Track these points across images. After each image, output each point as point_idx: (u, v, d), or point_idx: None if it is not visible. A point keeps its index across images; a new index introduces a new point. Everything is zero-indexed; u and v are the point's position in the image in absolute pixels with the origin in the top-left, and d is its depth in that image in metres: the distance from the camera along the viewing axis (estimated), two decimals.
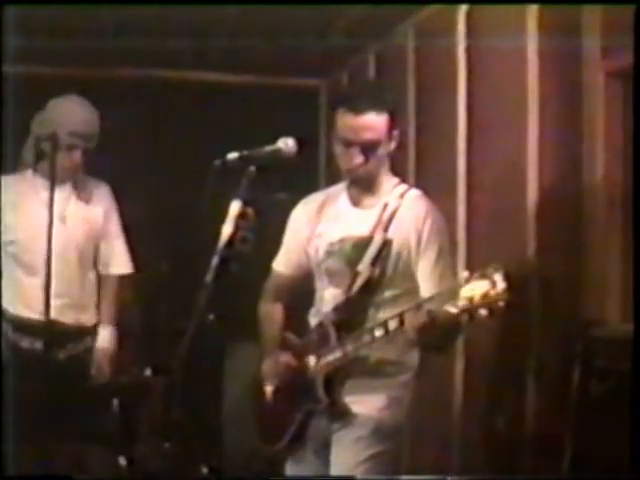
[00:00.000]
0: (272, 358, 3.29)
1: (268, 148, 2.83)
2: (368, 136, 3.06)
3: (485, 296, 2.62)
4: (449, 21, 4.30)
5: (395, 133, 3.12)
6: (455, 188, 4.26)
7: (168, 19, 4.76)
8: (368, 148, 3.07)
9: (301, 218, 3.34)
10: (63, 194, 3.94)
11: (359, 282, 3.13)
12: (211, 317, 2.69)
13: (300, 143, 2.88)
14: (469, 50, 4.22)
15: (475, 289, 2.64)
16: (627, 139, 3.23)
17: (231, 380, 4.29)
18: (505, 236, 3.84)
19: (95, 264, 4.12)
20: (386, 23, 5.00)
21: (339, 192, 3.29)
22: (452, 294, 2.69)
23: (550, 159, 3.64)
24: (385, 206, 3.16)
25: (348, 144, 3.09)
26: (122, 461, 4.25)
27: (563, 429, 3.29)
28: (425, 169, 4.75)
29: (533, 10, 3.66)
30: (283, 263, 3.39)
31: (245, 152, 2.79)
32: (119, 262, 4.17)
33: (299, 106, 6.18)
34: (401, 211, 3.14)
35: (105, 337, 4.08)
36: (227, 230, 2.73)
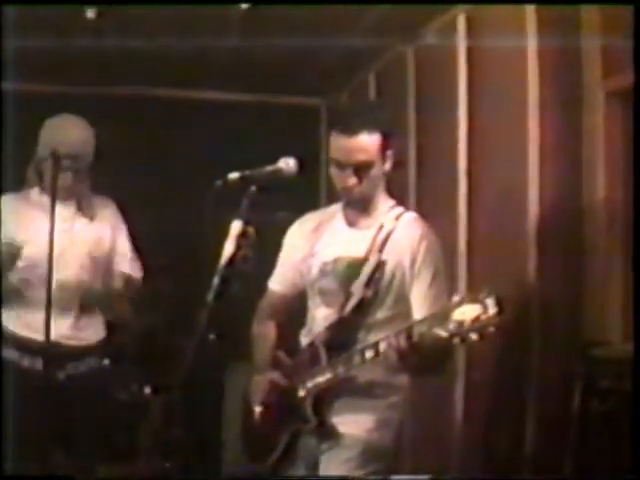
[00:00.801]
0: (261, 377, 3.28)
1: (269, 168, 2.85)
2: (360, 157, 3.05)
3: (476, 320, 2.61)
4: (449, 39, 4.31)
5: (389, 153, 3.11)
6: (456, 208, 4.26)
7: (169, 31, 4.75)
8: (361, 169, 3.07)
9: (297, 237, 3.34)
10: (68, 212, 3.93)
11: (352, 303, 3.12)
12: (212, 337, 2.68)
13: (301, 163, 2.90)
14: (470, 71, 4.22)
15: (466, 313, 2.63)
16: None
17: (231, 399, 4.28)
18: (506, 257, 3.84)
19: (104, 278, 4.09)
20: (386, 43, 5.02)
21: (335, 212, 3.29)
22: (443, 317, 2.68)
23: (551, 178, 3.65)
24: (381, 227, 3.15)
25: (341, 165, 3.09)
26: None
27: (564, 449, 3.28)
28: (425, 188, 4.77)
29: (532, 24, 3.66)
30: (278, 281, 3.38)
31: (246, 172, 2.80)
32: (130, 272, 4.15)
33: (300, 125, 6.20)
34: (396, 233, 3.14)
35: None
36: (228, 249, 2.74)
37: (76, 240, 3.95)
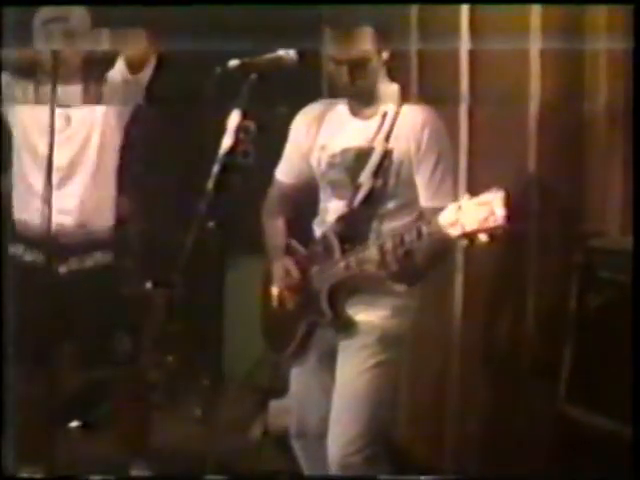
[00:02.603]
0: (277, 263, 3.30)
1: (269, 55, 2.84)
2: (355, 54, 3.05)
3: (485, 221, 2.63)
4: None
5: (386, 44, 3.09)
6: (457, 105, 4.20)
7: None
8: (357, 64, 3.06)
9: (301, 128, 3.32)
10: (69, 96, 3.85)
11: (361, 194, 3.12)
12: (211, 225, 2.68)
13: (301, 54, 2.88)
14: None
15: (475, 214, 2.64)
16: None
17: (233, 292, 4.30)
18: (506, 151, 3.81)
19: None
20: None
21: (338, 102, 3.27)
22: (452, 217, 2.70)
23: (553, 76, 3.61)
24: (384, 115, 3.14)
25: (338, 62, 3.08)
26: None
27: (562, 339, 3.32)
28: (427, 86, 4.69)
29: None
30: (284, 172, 3.38)
31: (246, 59, 2.78)
32: None
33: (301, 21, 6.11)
34: (400, 119, 3.12)
35: None
36: (228, 139, 2.74)
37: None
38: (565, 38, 3.48)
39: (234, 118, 2.75)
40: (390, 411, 3.45)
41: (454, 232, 2.69)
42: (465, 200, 2.68)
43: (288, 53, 2.87)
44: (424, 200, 3.07)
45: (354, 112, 3.22)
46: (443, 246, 2.95)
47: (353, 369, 3.19)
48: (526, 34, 3.59)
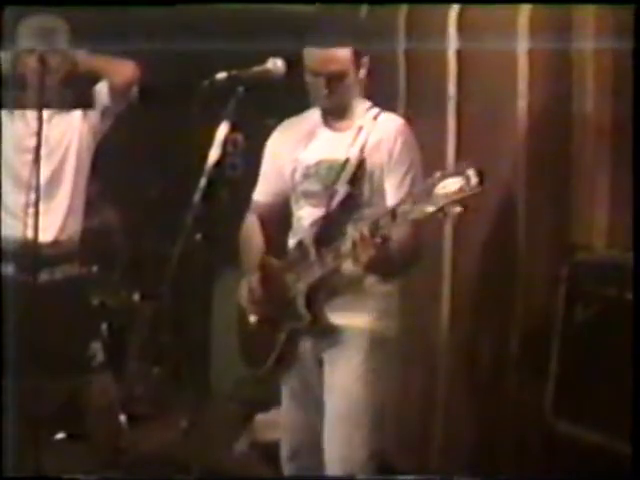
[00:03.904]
0: (250, 278, 3.28)
1: (257, 68, 2.85)
2: (333, 67, 3.08)
3: (460, 191, 2.64)
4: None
5: (364, 61, 3.13)
6: (444, 116, 4.20)
7: None
8: (334, 79, 3.09)
9: (277, 144, 3.34)
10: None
11: (337, 199, 3.14)
12: (198, 237, 2.68)
13: (289, 63, 2.89)
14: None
15: (449, 185, 2.66)
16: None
17: (220, 304, 4.30)
18: (494, 161, 3.82)
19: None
20: None
21: (314, 116, 3.29)
22: (426, 194, 2.71)
23: (540, 88, 3.62)
24: (360, 129, 3.18)
25: (315, 74, 3.11)
26: None
27: (547, 352, 3.32)
28: (414, 93, 4.70)
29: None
30: (261, 192, 3.38)
31: (234, 72, 2.79)
32: None
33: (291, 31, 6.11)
34: (375, 133, 3.17)
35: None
36: (215, 152, 2.74)
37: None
38: (554, 38, 3.50)
39: (222, 130, 2.76)
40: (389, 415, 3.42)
41: (429, 208, 2.70)
42: (437, 175, 2.70)
43: (275, 64, 2.89)
44: (393, 201, 3.05)
45: (328, 124, 3.25)
46: (419, 231, 3.00)
47: (346, 377, 3.15)
48: (514, 34, 3.60)
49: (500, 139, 3.74)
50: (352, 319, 3.16)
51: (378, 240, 2.87)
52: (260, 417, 4.80)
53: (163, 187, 5.41)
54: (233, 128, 2.76)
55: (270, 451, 3.69)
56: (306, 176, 3.23)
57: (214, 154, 2.74)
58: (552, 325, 3.32)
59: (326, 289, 3.15)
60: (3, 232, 3.81)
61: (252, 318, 3.31)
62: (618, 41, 3.27)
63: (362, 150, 3.14)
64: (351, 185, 3.13)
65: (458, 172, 2.67)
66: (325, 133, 3.25)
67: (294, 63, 2.92)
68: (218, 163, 2.73)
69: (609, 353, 3.08)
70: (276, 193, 3.35)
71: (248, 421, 4.90)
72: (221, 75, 2.77)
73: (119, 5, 4.20)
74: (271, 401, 3.56)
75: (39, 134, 3.59)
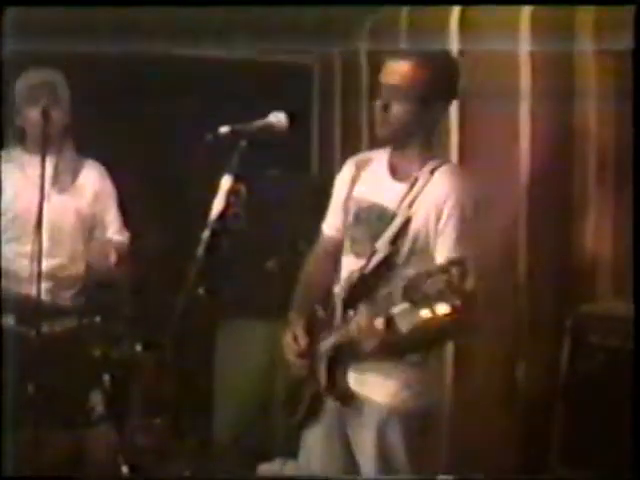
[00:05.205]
0: (290, 329, 3.15)
1: (259, 122, 2.83)
2: (392, 80, 2.97)
3: (445, 289, 2.58)
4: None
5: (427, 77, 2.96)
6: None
7: None
8: (392, 96, 2.96)
9: (345, 177, 3.21)
10: (47, 172, 3.83)
11: (375, 260, 3.01)
12: (201, 291, 2.68)
13: (291, 118, 2.89)
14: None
15: (434, 284, 2.60)
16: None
17: (222, 356, 4.29)
18: (494, 211, 3.82)
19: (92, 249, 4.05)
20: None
21: (382, 156, 3.16)
22: (414, 291, 2.66)
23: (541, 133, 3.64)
24: (415, 181, 3.03)
25: (383, 105, 2.98)
26: None
27: (552, 404, 3.31)
28: None
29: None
30: (328, 225, 3.28)
31: (237, 126, 2.79)
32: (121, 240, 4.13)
33: (292, 83, 6.16)
34: (428, 187, 3.00)
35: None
36: (218, 204, 2.74)
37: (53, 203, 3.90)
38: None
39: (225, 183, 2.75)
40: None
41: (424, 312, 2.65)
42: (427, 269, 2.66)
43: (278, 118, 2.88)
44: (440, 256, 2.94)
45: (392, 170, 3.10)
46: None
47: (362, 452, 3.08)
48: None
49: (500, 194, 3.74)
50: (373, 389, 3.04)
51: (380, 324, 2.80)
52: (263, 467, 4.77)
53: (166, 239, 5.42)
54: (236, 180, 2.76)
55: None
56: (357, 219, 3.11)
57: (218, 205, 2.73)
58: (557, 376, 3.31)
59: (351, 355, 3.01)
60: (4, 283, 3.81)
61: (292, 368, 3.18)
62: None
63: (411, 206, 2.99)
64: (393, 244, 2.99)
65: (443, 269, 2.61)
66: (385, 177, 3.10)
67: (296, 117, 2.91)
68: (221, 215, 2.73)
69: (614, 404, 3.06)
70: (338, 229, 3.24)
71: (251, 470, 4.87)
72: (224, 129, 2.78)
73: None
74: (274, 451, 3.53)
75: (42, 187, 3.59)
